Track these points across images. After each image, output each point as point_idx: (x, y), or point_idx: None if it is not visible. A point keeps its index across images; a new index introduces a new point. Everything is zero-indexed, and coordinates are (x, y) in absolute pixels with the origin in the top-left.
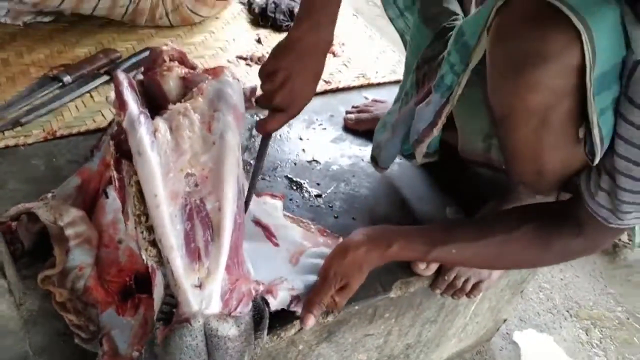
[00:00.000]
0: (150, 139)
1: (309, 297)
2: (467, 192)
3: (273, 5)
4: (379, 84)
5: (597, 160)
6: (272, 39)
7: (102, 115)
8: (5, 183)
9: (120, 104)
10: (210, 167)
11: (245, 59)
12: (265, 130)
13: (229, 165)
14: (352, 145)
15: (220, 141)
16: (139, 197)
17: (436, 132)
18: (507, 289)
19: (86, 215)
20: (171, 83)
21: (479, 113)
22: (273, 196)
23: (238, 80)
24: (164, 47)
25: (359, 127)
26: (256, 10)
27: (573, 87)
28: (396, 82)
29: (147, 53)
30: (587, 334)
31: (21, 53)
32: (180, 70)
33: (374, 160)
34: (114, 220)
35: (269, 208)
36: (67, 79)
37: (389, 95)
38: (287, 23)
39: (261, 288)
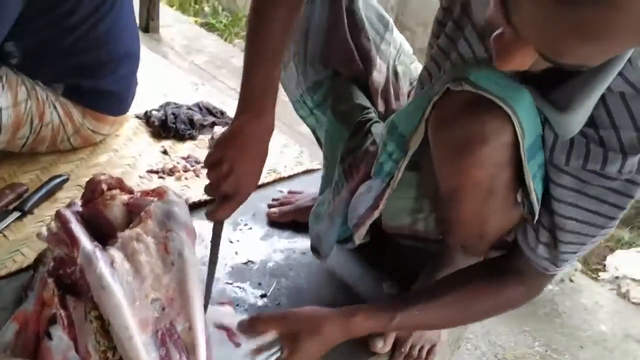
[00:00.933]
0: (110, 271)
1: None
2: (398, 265)
3: (172, 116)
4: (289, 177)
5: (536, 218)
6: (177, 148)
7: (22, 254)
8: None
9: (72, 241)
10: (174, 287)
11: (156, 172)
12: (217, 218)
13: (192, 282)
14: (280, 239)
15: (179, 260)
16: (102, 331)
17: (376, 214)
18: (448, 347)
19: None
20: (116, 211)
21: (405, 193)
22: (221, 304)
23: (181, 198)
24: (102, 177)
25: (284, 219)
26: (156, 123)
27: (509, 158)
28: (305, 172)
29: (57, 181)
30: None
31: None
32: (123, 197)
33: (315, 250)
34: None
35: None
36: None
37: (301, 186)
38: (189, 132)
39: None
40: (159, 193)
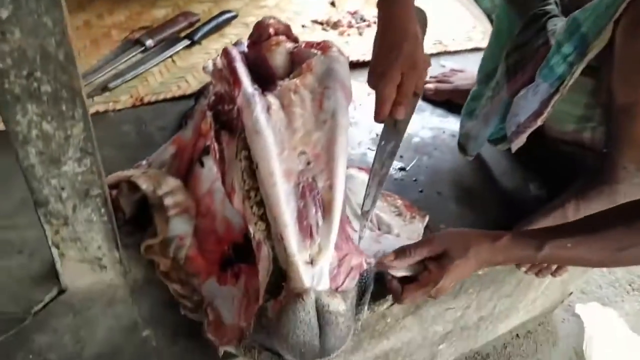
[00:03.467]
0: (266, 117)
1: (417, 284)
2: (549, 169)
3: None
4: (455, 52)
5: None
6: (345, 2)
7: (186, 81)
8: (99, 149)
9: (234, 80)
10: (322, 144)
11: (321, 23)
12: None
13: (340, 143)
14: (432, 116)
15: (332, 120)
16: (249, 172)
17: (540, 122)
18: None
19: (183, 184)
20: (279, 58)
21: (576, 98)
22: (360, 169)
23: (345, 57)
24: (271, 21)
25: (438, 98)
26: None
27: None
28: (473, 49)
29: (226, 16)
30: None
31: (102, 15)
32: (287, 45)
33: (462, 147)
34: (211, 190)
35: (356, 185)
36: (150, 42)
37: (466, 64)
38: None
39: (373, 262)
40: (324, 47)
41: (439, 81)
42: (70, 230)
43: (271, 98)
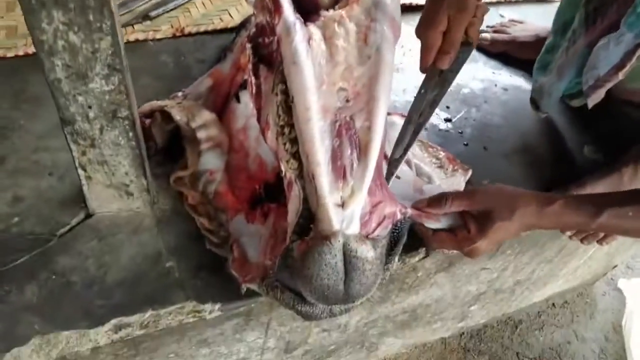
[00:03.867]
0: (305, 47)
1: (450, 235)
2: (609, 134)
3: None
4: (516, 1)
5: None
6: None
7: (229, 14)
8: (137, 78)
9: (276, 7)
10: (364, 82)
11: None
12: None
13: (384, 83)
14: (485, 67)
15: (377, 55)
16: (285, 107)
17: (622, 75)
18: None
19: (218, 118)
20: None
21: None
22: (403, 117)
23: None
24: None
25: (494, 49)
26: None
27: None
28: (536, 0)
29: None
30: None
31: None
32: None
33: (534, 103)
34: (245, 126)
35: (397, 132)
36: None
37: (527, 15)
38: None
39: (409, 212)
40: None
41: (495, 31)
42: (97, 153)
43: (313, 29)
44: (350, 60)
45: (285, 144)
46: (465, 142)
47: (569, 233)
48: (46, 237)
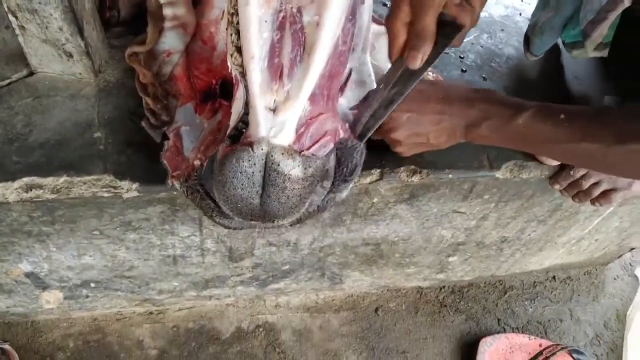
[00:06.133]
0: None
1: None
2: (633, 85)
3: None
4: None
5: None
6: None
7: None
8: None
9: None
10: None
11: None
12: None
13: None
14: None
15: None
16: None
17: (627, 2)
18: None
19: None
20: None
21: None
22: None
23: None
24: None
25: None
26: None
27: None
28: None
29: None
30: None
31: None
32: None
33: (527, 42)
34: (218, 18)
35: (381, 44)
36: None
37: None
38: None
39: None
40: None
41: None
42: None
43: None
44: None
45: (231, 34)
46: (463, 69)
47: (558, 186)
48: None
